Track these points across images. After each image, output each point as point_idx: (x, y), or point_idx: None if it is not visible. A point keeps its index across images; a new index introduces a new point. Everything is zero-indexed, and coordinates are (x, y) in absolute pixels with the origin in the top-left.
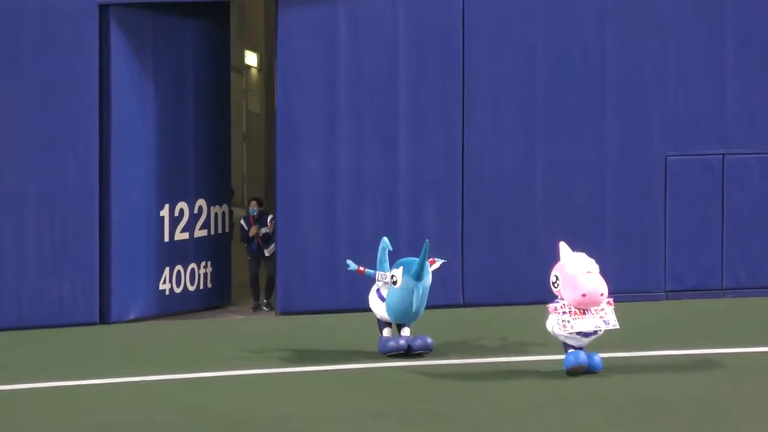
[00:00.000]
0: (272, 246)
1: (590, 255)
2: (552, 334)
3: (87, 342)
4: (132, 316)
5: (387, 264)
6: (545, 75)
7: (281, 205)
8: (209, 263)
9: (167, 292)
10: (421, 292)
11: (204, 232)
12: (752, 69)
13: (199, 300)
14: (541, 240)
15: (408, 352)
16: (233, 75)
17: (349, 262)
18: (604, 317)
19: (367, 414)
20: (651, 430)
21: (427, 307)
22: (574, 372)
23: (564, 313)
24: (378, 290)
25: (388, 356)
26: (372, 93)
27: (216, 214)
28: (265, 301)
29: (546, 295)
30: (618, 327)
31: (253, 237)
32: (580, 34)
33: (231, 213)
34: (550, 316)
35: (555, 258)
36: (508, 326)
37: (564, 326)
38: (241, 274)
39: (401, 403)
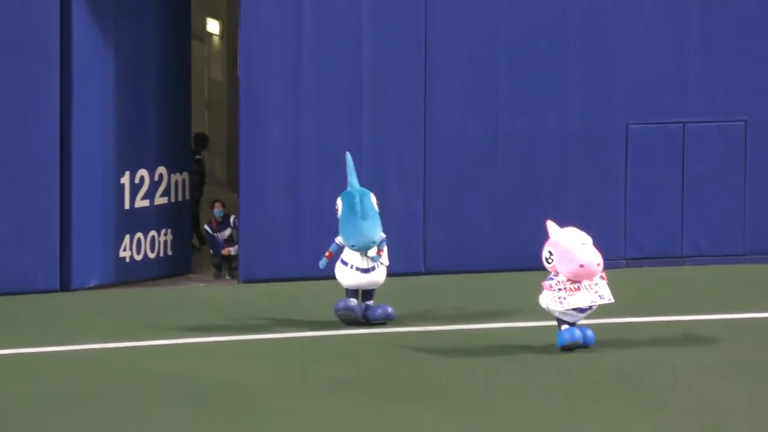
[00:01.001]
0: (236, 247)
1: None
2: (547, 310)
3: (47, 310)
4: (92, 284)
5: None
6: (508, 46)
7: (244, 173)
8: (170, 231)
9: (128, 260)
10: (358, 198)
11: (164, 200)
12: (713, 38)
13: (159, 268)
14: (502, 209)
15: (368, 321)
16: (195, 42)
17: (321, 263)
18: (599, 291)
19: (329, 382)
20: (610, 397)
21: (389, 275)
22: (569, 349)
23: (559, 290)
24: (342, 258)
25: (344, 321)
26: (335, 62)
27: (176, 182)
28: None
29: (507, 263)
30: (613, 301)
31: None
32: (543, 6)
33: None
34: (544, 293)
35: (517, 226)
36: (470, 294)
37: (561, 303)
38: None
39: (363, 371)
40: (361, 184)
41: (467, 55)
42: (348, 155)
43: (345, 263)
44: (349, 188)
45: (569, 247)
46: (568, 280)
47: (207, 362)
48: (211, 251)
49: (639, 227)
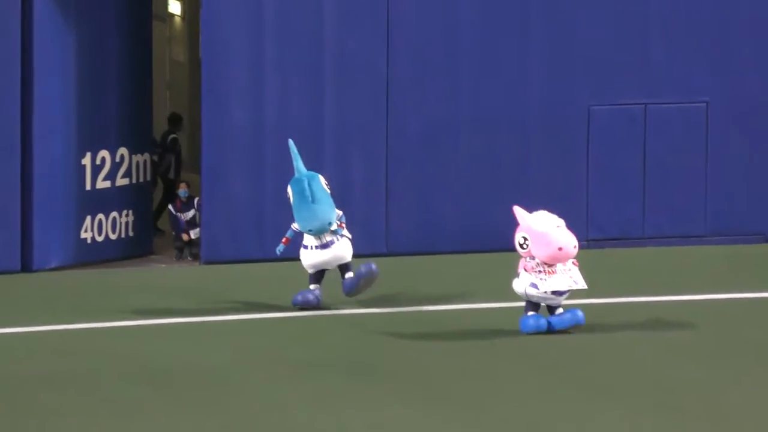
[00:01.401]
0: (196, 230)
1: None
2: (523, 295)
3: (8, 290)
4: (53, 265)
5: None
6: (470, 27)
7: (207, 154)
8: (131, 212)
9: (89, 241)
10: (306, 184)
11: (126, 181)
12: (675, 19)
13: (120, 249)
14: (464, 190)
15: (357, 288)
16: (156, 23)
17: (278, 249)
18: (573, 277)
19: (292, 363)
20: (570, 378)
21: (353, 256)
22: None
23: (539, 272)
24: (302, 243)
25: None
26: (298, 43)
27: (138, 163)
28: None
29: (469, 245)
30: (586, 287)
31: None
32: None
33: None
34: (522, 277)
35: (479, 208)
36: (432, 275)
37: (541, 282)
38: (163, 224)
39: (326, 352)
40: (324, 166)
41: (429, 37)
42: (290, 142)
43: (305, 246)
44: (296, 174)
45: (545, 230)
46: (544, 263)
47: (168, 343)
48: (173, 233)
49: (601, 209)
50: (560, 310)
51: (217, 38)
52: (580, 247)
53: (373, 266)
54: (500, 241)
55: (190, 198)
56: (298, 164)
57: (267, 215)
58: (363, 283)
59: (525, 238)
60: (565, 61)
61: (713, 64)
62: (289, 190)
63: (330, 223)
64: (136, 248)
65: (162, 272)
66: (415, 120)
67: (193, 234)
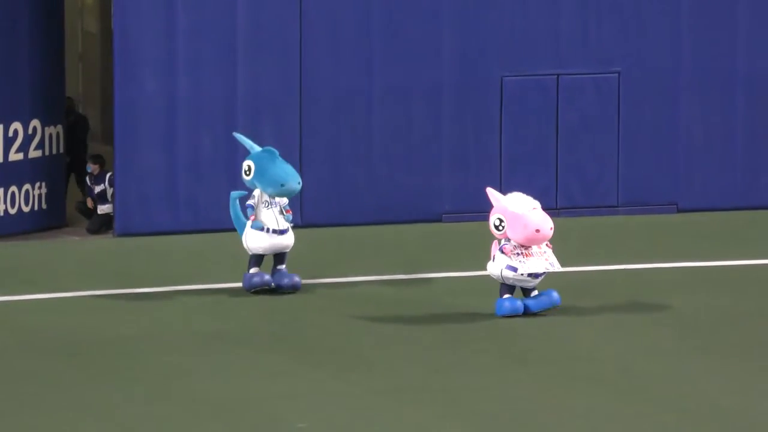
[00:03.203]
0: (108, 206)
1: (427, 176)
2: (498, 278)
3: None
4: None
5: (241, 214)
6: None
7: (119, 126)
8: (44, 184)
9: (1, 213)
10: (271, 150)
11: (38, 153)
12: None
13: (33, 221)
14: (379, 162)
15: (277, 289)
16: None
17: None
18: (549, 259)
19: (205, 335)
20: (479, 349)
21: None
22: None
23: (517, 254)
24: (253, 223)
25: (253, 292)
26: (210, 14)
27: (50, 135)
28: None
29: (383, 216)
30: (561, 269)
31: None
32: None
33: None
34: (498, 259)
35: (393, 179)
36: (347, 246)
37: (521, 266)
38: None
39: (240, 324)
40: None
41: (342, 7)
42: (236, 134)
43: (260, 228)
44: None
45: (521, 212)
46: (521, 245)
47: (83, 316)
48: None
49: (514, 179)
50: (535, 292)
51: (128, 9)
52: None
53: (297, 279)
54: (415, 212)
55: (103, 172)
56: (253, 146)
57: (180, 187)
58: (288, 291)
59: (501, 220)
60: (478, 31)
61: (625, 34)
62: (250, 162)
63: (299, 184)
64: (49, 220)
65: (75, 245)
66: (328, 90)
67: (100, 210)
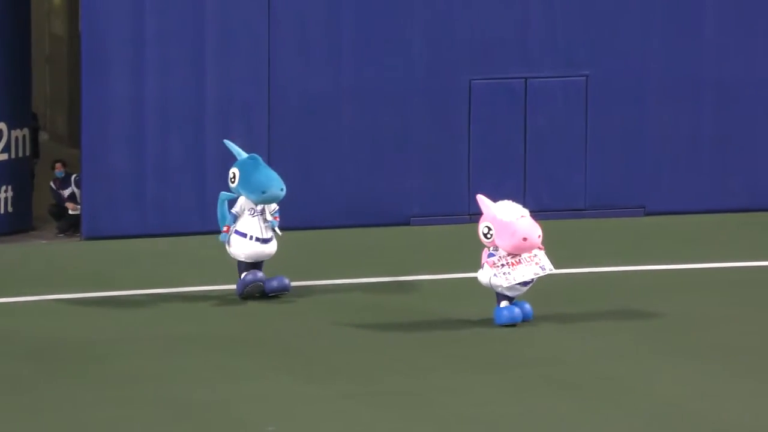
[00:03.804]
0: (78, 206)
1: (395, 179)
2: (488, 286)
3: None
4: None
5: (228, 215)
6: None
7: (86, 129)
8: (10, 187)
9: None
10: (257, 158)
11: (5, 156)
12: None
13: (1, 224)
14: (347, 164)
15: (264, 294)
16: None
17: (221, 237)
18: (539, 263)
19: (173, 338)
20: (450, 353)
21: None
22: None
23: (502, 265)
24: (237, 230)
25: (246, 294)
26: (178, 16)
27: (17, 138)
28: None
29: (351, 219)
30: (554, 270)
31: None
32: None
33: (35, 136)
34: (485, 269)
35: (362, 182)
36: (315, 250)
37: (506, 278)
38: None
39: (208, 328)
40: (205, 139)
41: (311, 9)
42: (226, 142)
43: (243, 234)
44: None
45: (509, 220)
46: (509, 254)
47: (49, 320)
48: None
49: (482, 182)
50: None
51: (97, 11)
52: (462, 221)
53: (287, 281)
54: (383, 215)
55: (67, 176)
56: (241, 153)
57: (148, 190)
58: (274, 294)
59: (489, 228)
60: (447, 34)
61: (593, 37)
62: (235, 170)
63: (282, 190)
64: (15, 223)
65: (42, 248)
66: (297, 92)
67: (71, 211)
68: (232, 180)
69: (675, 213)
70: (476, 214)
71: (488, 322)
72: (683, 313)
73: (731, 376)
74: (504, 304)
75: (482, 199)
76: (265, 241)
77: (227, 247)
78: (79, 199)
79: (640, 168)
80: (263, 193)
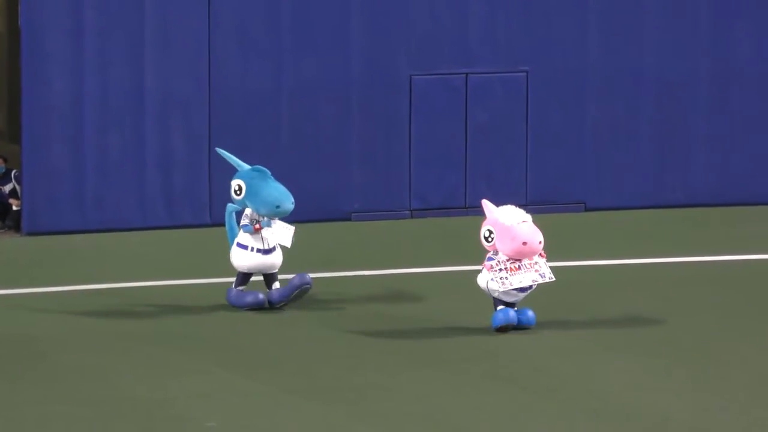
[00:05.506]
0: (19, 201)
1: (336, 175)
2: (486, 290)
3: None
4: None
5: (236, 228)
6: None
7: (27, 126)
8: None
9: None
10: (262, 169)
11: None
12: None
13: None
14: (288, 160)
15: (287, 299)
16: None
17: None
18: (539, 270)
19: (114, 335)
20: (390, 349)
21: (176, 227)
22: (504, 330)
23: (500, 270)
24: (238, 242)
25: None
26: (117, 11)
27: None
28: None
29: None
30: (554, 279)
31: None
32: None
33: None
34: (484, 273)
35: (301, 177)
36: None
37: (503, 283)
38: None
39: (149, 324)
40: (146, 136)
41: (251, 5)
42: (219, 150)
43: (244, 247)
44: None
45: (510, 225)
46: (509, 259)
47: None
48: None
49: (423, 178)
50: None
51: (36, 7)
52: (403, 217)
53: (308, 277)
54: (324, 211)
55: (8, 171)
56: (240, 163)
57: (88, 186)
58: (297, 295)
59: (490, 232)
60: (387, 29)
61: (532, 33)
62: (240, 182)
63: (292, 204)
64: None
65: None
66: (237, 88)
67: (15, 207)
68: (237, 192)
69: (615, 209)
70: (417, 209)
71: (428, 318)
72: (623, 307)
73: (670, 370)
74: (500, 307)
75: (486, 204)
76: (268, 251)
77: (230, 257)
78: (19, 194)
79: (580, 164)
80: (277, 207)
